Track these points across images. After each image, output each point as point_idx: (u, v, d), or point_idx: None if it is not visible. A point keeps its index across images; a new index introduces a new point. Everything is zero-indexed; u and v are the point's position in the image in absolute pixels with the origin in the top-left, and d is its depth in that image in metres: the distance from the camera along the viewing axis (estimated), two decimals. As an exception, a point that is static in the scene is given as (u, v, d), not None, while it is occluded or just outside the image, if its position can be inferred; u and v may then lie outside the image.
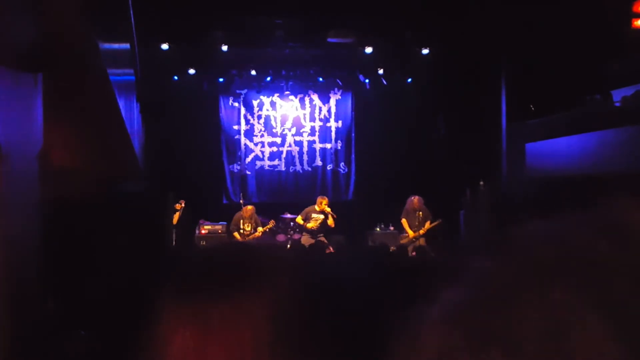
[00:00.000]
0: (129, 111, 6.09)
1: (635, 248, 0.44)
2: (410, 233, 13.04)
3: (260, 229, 13.41)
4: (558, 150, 12.72)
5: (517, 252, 0.50)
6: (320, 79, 16.79)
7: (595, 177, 10.80)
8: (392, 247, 10.69)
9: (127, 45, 6.27)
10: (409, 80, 16.57)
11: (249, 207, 13.56)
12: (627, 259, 0.44)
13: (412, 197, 13.21)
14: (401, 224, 13.40)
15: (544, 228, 0.52)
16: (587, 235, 0.48)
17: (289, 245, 13.72)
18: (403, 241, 12.92)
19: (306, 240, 13.05)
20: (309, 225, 13.20)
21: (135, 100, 7.54)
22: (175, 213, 13.45)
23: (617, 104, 12.07)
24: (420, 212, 13.05)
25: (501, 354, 0.44)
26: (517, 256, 0.50)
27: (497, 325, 0.45)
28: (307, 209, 13.42)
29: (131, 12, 6.40)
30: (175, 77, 15.81)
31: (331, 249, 11.30)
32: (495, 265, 0.51)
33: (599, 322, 0.42)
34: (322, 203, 13.24)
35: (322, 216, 13.21)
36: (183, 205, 13.58)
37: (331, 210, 13.18)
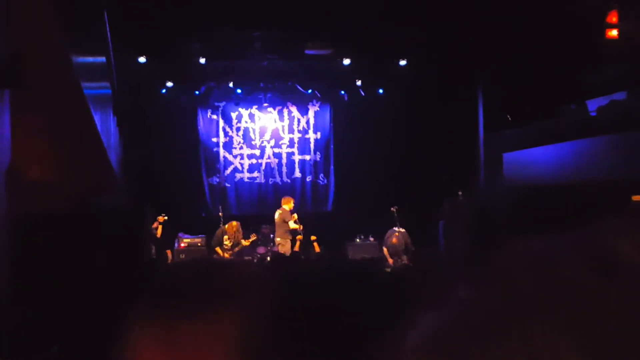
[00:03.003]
0: (106, 124, 6.06)
1: (626, 282, 0.42)
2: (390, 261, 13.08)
3: (243, 241, 13.41)
4: (535, 159, 12.81)
5: (500, 280, 0.49)
6: (299, 91, 16.80)
7: (572, 186, 10.89)
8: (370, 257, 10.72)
9: (103, 59, 6.24)
10: (387, 91, 16.63)
11: (234, 223, 13.55)
12: (617, 294, 0.42)
13: (392, 236, 13.20)
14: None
15: (528, 253, 0.49)
16: (574, 266, 0.45)
17: (268, 258, 13.72)
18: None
19: (286, 248, 13.09)
20: (294, 226, 13.28)
21: (112, 113, 7.50)
22: (158, 226, 13.38)
23: (593, 114, 12.18)
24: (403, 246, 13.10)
25: None
26: (499, 286, 0.48)
27: (475, 357, 0.44)
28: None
29: (107, 26, 6.38)
30: (163, 91, 15.75)
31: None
32: (477, 295, 0.49)
33: None
34: (288, 203, 13.51)
35: (295, 215, 13.45)
36: (166, 218, 13.54)
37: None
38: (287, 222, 13.32)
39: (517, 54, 12.57)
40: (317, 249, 13.60)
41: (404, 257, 12.90)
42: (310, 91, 16.81)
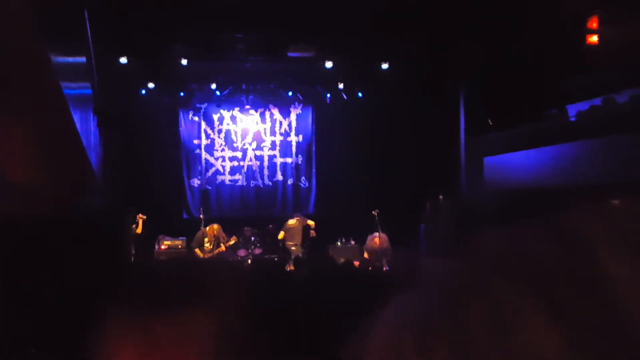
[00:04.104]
0: (86, 125, 6.02)
1: (583, 253, 0.45)
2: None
3: (223, 245, 13.35)
4: (516, 163, 12.90)
5: (469, 255, 0.51)
6: (281, 93, 16.80)
7: (552, 190, 10.96)
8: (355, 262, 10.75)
9: (83, 59, 6.20)
10: (369, 94, 16.66)
11: (215, 225, 13.48)
12: (575, 264, 0.45)
13: (373, 240, 13.31)
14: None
15: (497, 234, 0.52)
16: (537, 241, 0.49)
17: (249, 261, 13.70)
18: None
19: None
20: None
21: (92, 114, 7.46)
22: (139, 221, 13.24)
23: (573, 119, 12.28)
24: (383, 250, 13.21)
25: (448, 354, 0.44)
26: (468, 259, 0.51)
27: (445, 326, 0.46)
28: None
29: (88, 26, 6.34)
30: (143, 92, 15.69)
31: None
32: (447, 267, 0.52)
33: (545, 324, 0.43)
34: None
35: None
36: (144, 217, 13.42)
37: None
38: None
39: (498, 58, 12.64)
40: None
41: (384, 261, 12.95)
42: (290, 94, 16.81)
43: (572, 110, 12.38)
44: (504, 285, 0.46)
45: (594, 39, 11.51)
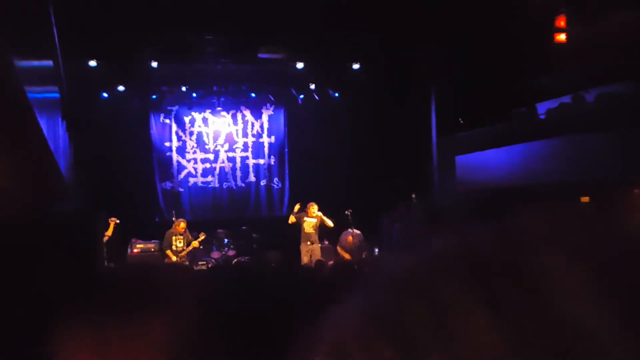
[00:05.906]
0: (54, 129, 5.96)
1: (527, 251, 0.46)
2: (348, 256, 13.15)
3: (195, 242, 13.23)
4: (487, 162, 12.98)
5: (418, 253, 0.53)
6: (252, 95, 16.79)
7: (523, 188, 11.06)
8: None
9: (50, 63, 6.13)
10: (341, 94, 16.71)
11: (182, 222, 13.31)
12: (518, 261, 0.46)
13: (347, 235, 13.35)
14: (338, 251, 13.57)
15: (447, 232, 0.54)
16: (484, 239, 0.50)
17: (222, 262, 13.63)
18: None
19: (305, 252, 13.01)
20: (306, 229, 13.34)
21: (60, 118, 7.37)
22: (110, 224, 13.07)
23: (542, 117, 12.40)
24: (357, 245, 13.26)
25: (391, 348, 0.45)
26: (417, 257, 0.53)
27: (388, 323, 0.46)
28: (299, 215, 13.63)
29: (54, 29, 6.27)
30: (105, 95, 15.57)
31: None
32: (396, 265, 0.53)
33: (486, 322, 0.43)
34: (312, 208, 13.46)
35: (314, 221, 13.33)
36: (117, 221, 13.27)
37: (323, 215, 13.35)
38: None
39: (468, 57, 12.73)
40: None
41: (357, 258, 13.01)
42: (261, 95, 16.79)
43: (542, 108, 12.49)
44: (448, 282, 0.46)
45: (562, 37, 11.63)
